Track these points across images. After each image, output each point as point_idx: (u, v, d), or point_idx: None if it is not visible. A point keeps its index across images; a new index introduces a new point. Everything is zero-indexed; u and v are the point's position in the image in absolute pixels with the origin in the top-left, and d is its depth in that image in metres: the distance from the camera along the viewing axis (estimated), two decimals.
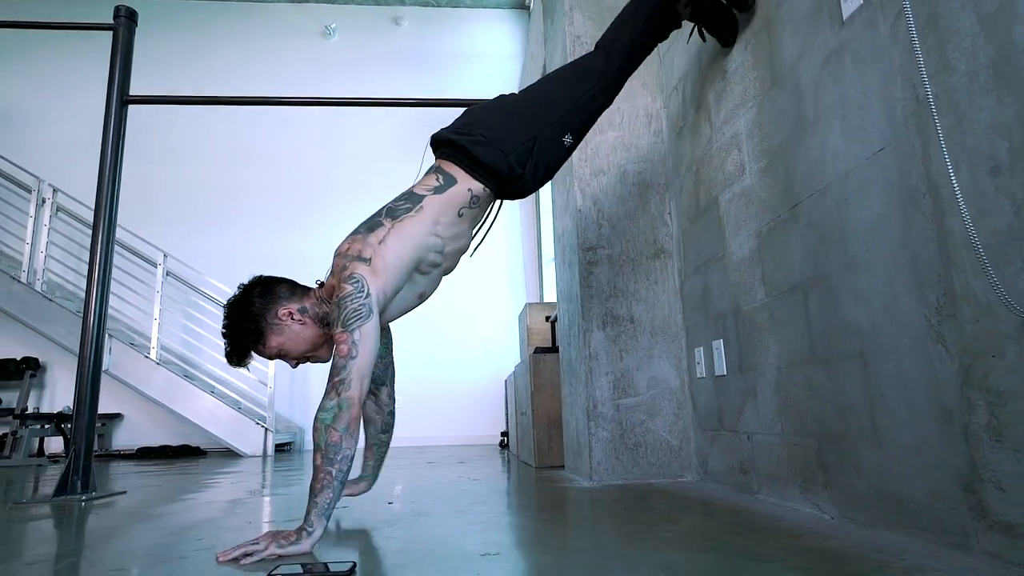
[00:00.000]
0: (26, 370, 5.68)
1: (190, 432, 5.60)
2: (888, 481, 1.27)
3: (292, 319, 1.47)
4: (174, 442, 5.70)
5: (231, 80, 6.53)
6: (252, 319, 1.46)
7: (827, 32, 1.46)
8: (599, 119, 1.87)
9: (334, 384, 1.29)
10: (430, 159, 1.79)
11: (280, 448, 5.64)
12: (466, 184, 1.61)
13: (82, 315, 2.50)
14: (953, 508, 1.10)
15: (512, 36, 7.18)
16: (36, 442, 5.27)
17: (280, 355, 1.51)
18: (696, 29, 2.02)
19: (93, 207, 2.54)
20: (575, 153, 2.50)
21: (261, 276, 1.55)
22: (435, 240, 1.57)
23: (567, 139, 1.70)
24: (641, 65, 2.53)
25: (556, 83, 1.76)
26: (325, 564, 1.10)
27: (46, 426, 5.10)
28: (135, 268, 5.58)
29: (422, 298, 1.67)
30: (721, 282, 2.05)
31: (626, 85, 2.50)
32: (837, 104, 1.42)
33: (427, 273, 1.61)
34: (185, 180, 6.38)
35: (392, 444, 6.42)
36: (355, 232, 1.51)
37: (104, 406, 5.76)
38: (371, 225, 1.51)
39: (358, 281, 1.38)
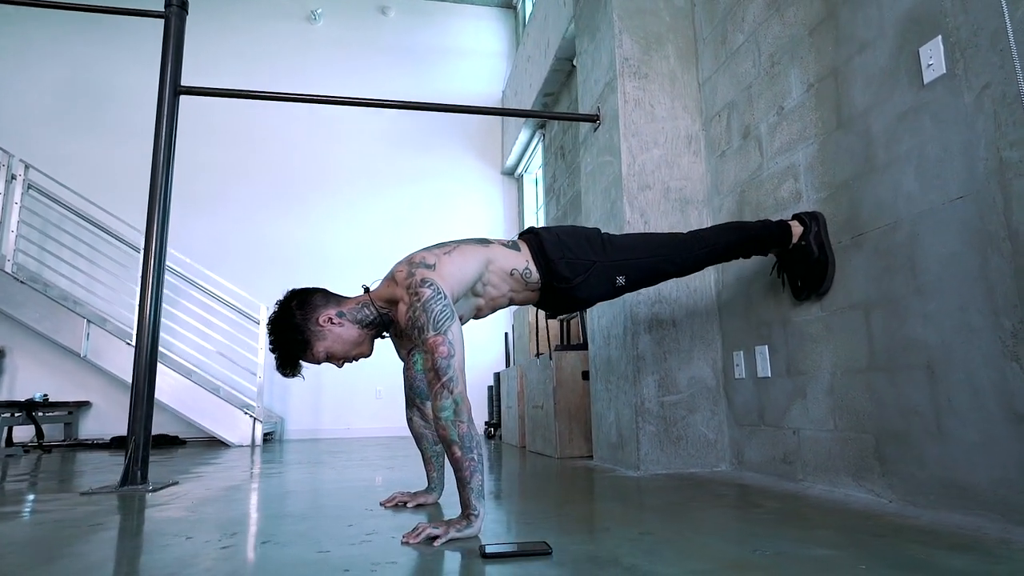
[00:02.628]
0: None
1: (165, 421, 5.47)
2: (953, 472, 1.54)
3: (332, 323, 1.59)
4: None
5: (214, 62, 6.35)
6: (297, 330, 1.56)
7: (905, 91, 1.71)
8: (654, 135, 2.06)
9: (443, 383, 1.40)
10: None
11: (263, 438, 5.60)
12: (525, 257, 1.77)
13: (138, 304, 2.49)
14: (1019, 493, 1.37)
15: (497, 34, 7.30)
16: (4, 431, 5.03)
17: (328, 358, 1.62)
18: (776, 269, 2.18)
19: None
20: (623, 168, 2.70)
21: (296, 289, 1.65)
22: (485, 273, 1.71)
23: (620, 280, 1.86)
24: (681, 88, 2.76)
25: (635, 238, 1.96)
26: (527, 542, 1.25)
27: (16, 414, 4.88)
28: (117, 252, 5.38)
29: (463, 320, 1.72)
30: (767, 295, 2.31)
31: (670, 106, 2.73)
32: (912, 154, 1.68)
33: (479, 295, 1.74)
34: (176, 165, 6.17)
35: (371, 434, 6.47)
36: (421, 249, 1.66)
37: (70, 394, 5.57)
38: (439, 244, 1.69)
39: (433, 284, 1.48)
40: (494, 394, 5.40)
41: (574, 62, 4.67)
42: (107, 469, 3.26)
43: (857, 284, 1.88)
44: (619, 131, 2.73)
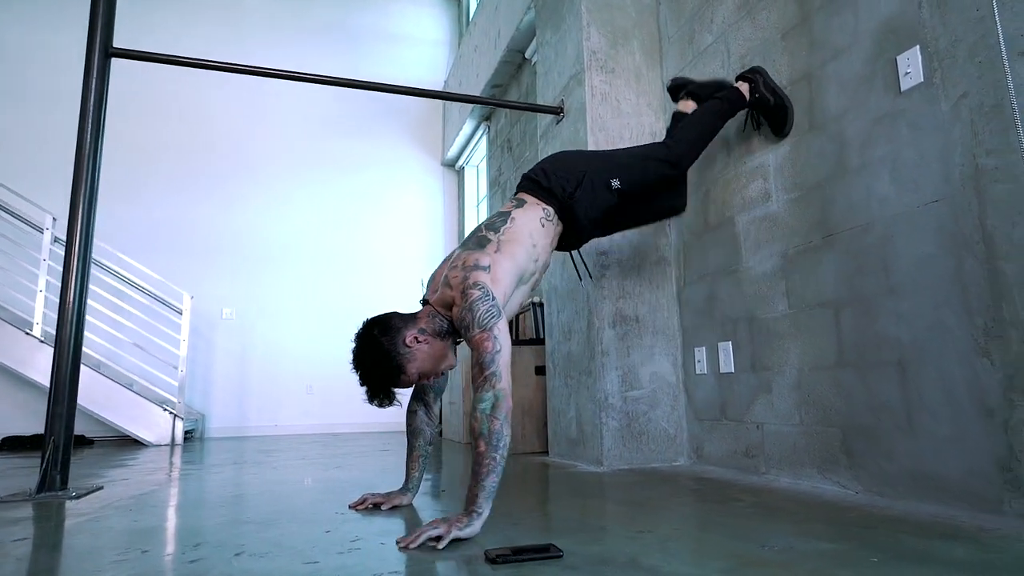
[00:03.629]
0: None
1: (84, 419, 4.98)
2: (922, 464, 1.61)
3: (418, 342, 1.57)
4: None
5: (136, 33, 5.82)
6: (388, 357, 1.53)
7: (881, 97, 1.77)
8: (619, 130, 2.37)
9: (486, 377, 1.41)
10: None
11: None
12: (535, 204, 1.89)
13: (60, 295, 2.22)
14: (989, 484, 1.45)
15: (440, 22, 7.14)
16: None
17: (420, 378, 1.60)
18: (750, 116, 2.27)
19: None
20: None
21: (370, 318, 1.62)
22: (532, 249, 1.79)
23: (614, 183, 1.98)
24: (646, 85, 2.78)
25: (620, 150, 2.14)
26: (531, 547, 1.19)
27: None
28: (14, 232, 4.83)
29: (512, 313, 1.84)
30: (733, 292, 2.35)
31: (635, 102, 2.74)
32: (888, 158, 1.74)
33: (525, 283, 1.79)
34: (72, 134, 5.61)
35: (302, 431, 6.22)
36: (465, 249, 1.67)
37: None
38: (479, 241, 1.70)
39: (482, 286, 1.52)
40: None
41: (526, 54, 4.63)
42: (7, 474, 2.91)
43: (827, 283, 1.94)
44: (586, 125, 2.71)
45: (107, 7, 2.39)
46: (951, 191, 1.56)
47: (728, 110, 2.19)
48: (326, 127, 6.42)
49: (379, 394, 1.57)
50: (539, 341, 3.59)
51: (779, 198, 2.15)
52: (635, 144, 2.69)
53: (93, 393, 4.65)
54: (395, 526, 1.48)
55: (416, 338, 1.57)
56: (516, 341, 3.52)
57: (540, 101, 3.24)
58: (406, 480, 1.82)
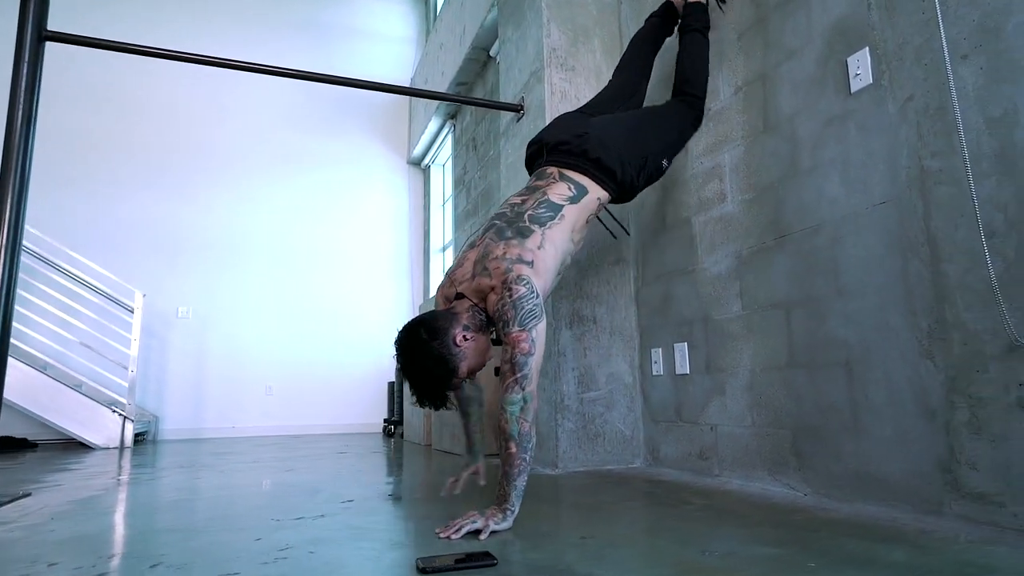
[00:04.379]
0: None
1: (11, 421, 4.77)
2: (867, 465, 1.61)
3: (466, 340, 1.52)
4: None
5: (85, 16, 5.62)
6: (440, 361, 1.48)
7: (832, 98, 1.77)
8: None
9: (516, 379, 1.42)
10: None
11: (134, 439, 5.03)
12: (596, 193, 1.83)
13: None
14: (930, 484, 1.45)
15: (406, 19, 7.05)
16: None
17: (468, 375, 1.57)
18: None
19: None
20: None
21: (412, 321, 1.55)
22: (571, 246, 1.79)
23: (664, 163, 2.08)
24: (606, 83, 2.76)
25: (660, 118, 2.13)
26: (464, 555, 1.14)
27: None
28: None
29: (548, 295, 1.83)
30: (689, 293, 2.34)
31: None
32: (838, 159, 1.74)
33: (559, 274, 1.78)
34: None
35: (261, 433, 6.05)
36: (504, 238, 1.62)
37: None
38: (522, 231, 1.64)
39: (528, 283, 1.50)
40: (395, 390, 5.20)
41: (491, 52, 4.58)
42: None
43: (779, 284, 1.93)
44: (545, 123, 2.67)
45: None
46: (897, 193, 1.57)
47: (705, 32, 2.26)
48: (289, 123, 6.29)
49: (436, 398, 1.51)
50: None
51: (734, 199, 2.14)
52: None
53: (37, 394, 4.45)
54: (327, 533, 1.41)
55: (464, 336, 1.51)
56: None
57: (502, 99, 3.20)
58: (469, 444, 1.84)
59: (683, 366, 2.34)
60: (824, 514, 1.52)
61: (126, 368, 4.71)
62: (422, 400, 1.52)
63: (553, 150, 1.90)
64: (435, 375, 1.48)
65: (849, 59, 1.71)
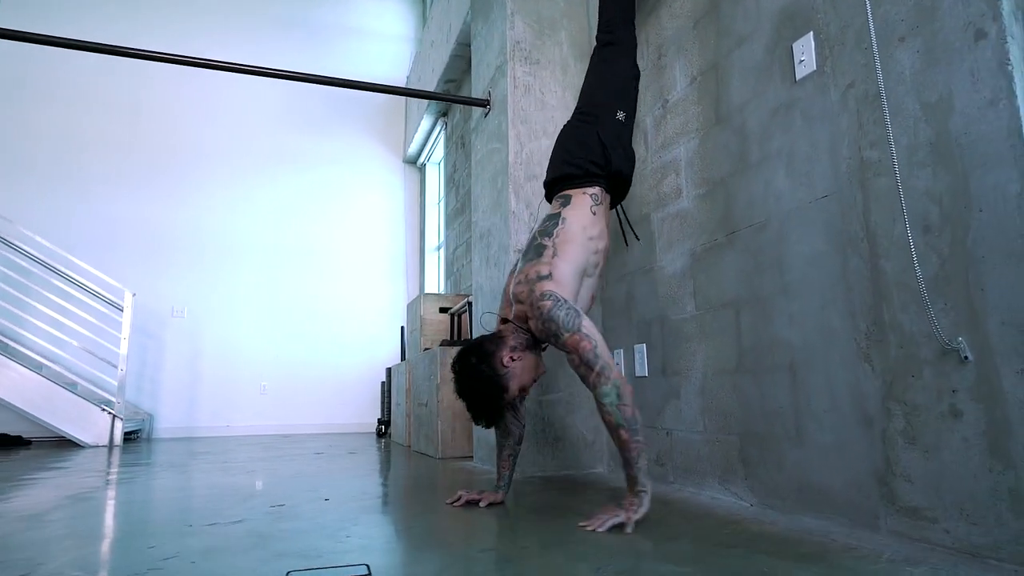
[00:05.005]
0: None
1: (10, 418, 4.84)
2: (809, 474, 1.52)
3: (514, 360, 1.63)
4: None
5: (81, 17, 5.68)
6: (491, 383, 1.60)
7: (778, 86, 1.68)
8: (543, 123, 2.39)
9: (598, 373, 1.49)
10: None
11: (126, 436, 5.07)
12: (580, 193, 1.86)
13: None
14: (867, 497, 1.36)
15: (403, 17, 7.02)
16: None
17: (520, 392, 1.68)
18: None
19: None
20: (511, 156, 2.58)
21: (463, 348, 1.67)
22: (591, 242, 1.79)
23: (619, 115, 1.96)
24: (573, 78, 2.69)
25: (589, 85, 2.08)
26: (339, 567, 1.09)
27: None
28: None
29: (592, 301, 1.87)
30: (648, 292, 2.25)
31: (561, 95, 2.64)
32: (784, 151, 1.64)
33: (591, 276, 1.81)
34: (13, 123, 5.45)
35: (255, 432, 6.05)
36: (527, 262, 1.72)
37: None
38: (537, 250, 1.74)
39: (550, 295, 1.59)
40: (386, 390, 5.17)
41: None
42: None
43: (729, 282, 1.84)
44: (507, 117, 2.61)
45: None
46: (839, 186, 1.47)
47: None
48: (284, 122, 6.29)
49: (486, 416, 1.65)
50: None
51: (689, 194, 2.05)
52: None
53: (30, 393, 4.51)
54: (228, 542, 1.36)
55: (511, 356, 1.63)
56: (452, 341, 3.41)
57: (473, 94, 3.14)
58: (498, 479, 1.84)
59: (642, 368, 2.26)
60: (758, 527, 1.43)
61: (116, 367, 4.74)
62: (477, 418, 1.66)
63: (548, 194, 2.03)
64: (486, 394, 1.61)
65: (794, 44, 1.62)
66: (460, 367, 1.64)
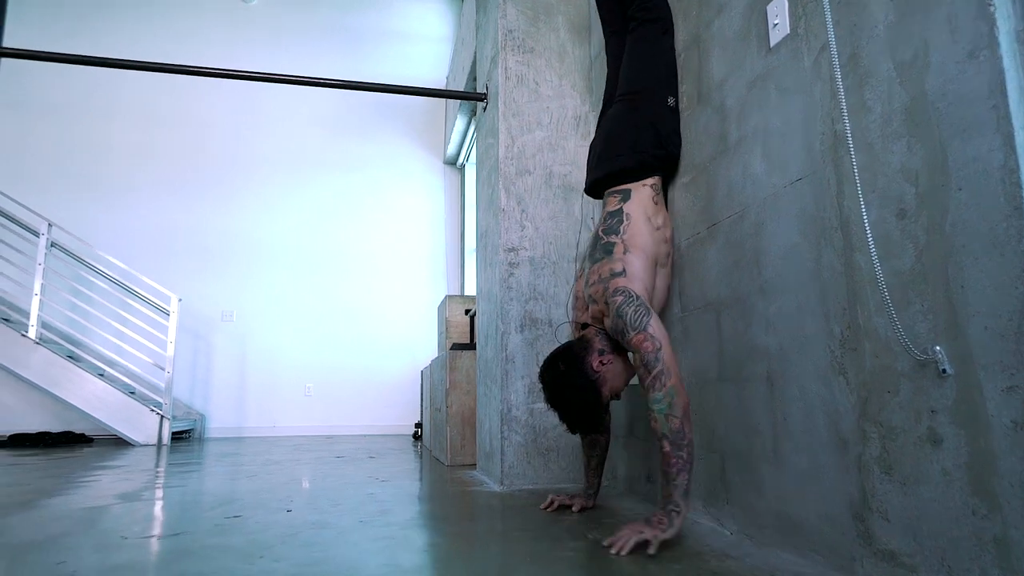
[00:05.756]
0: None
1: (75, 418, 5.16)
2: (786, 503, 1.31)
3: (603, 365, 1.58)
4: (56, 428, 5.23)
5: (138, 39, 6.00)
6: (584, 389, 1.56)
7: (755, 56, 1.47)
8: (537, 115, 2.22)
9: (654, 376, 1.41)
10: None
11: (178, 436, 5.30)
12: (639, 186, 1.78)
13: None
14: (843, 534, 1.14)
15: (443, 17, 7.00)
16: None
17: (613, 396, 1.63)
18: None
19: None
20: (501, 151, 2.45)
21: (550, 356, 1.63)
22: (658, 232, 1.74)
23: (670, 101, 1.83)
24: (572, 65, 2.52)
25: (632, 69, 1.91)
26: None
27: None
28: (13, 238, 5.04)
29: (667, 291, 1.80)
30: None
31: (557, 84, 2.48)
32: (760, 129, 1.44)
33: (664, 266, 1.77)
34: (80, 143, 5.82)
35: (300, 433, 6.16)
36: (595, 261, 1.70)
37: None
38: (606, 248, 1.70)
39: (623, 291, 1.55)
40: (422, 393, 5.15)
41: None
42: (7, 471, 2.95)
43: (710, 281, 1.64)
44: (499, 110, 2.48)
45: None
46: (813, 166, 1.26)
47: None
48: (326, 127, 6.41)
49: (582, 425, 1.61)
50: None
51: (675, 183, 1.86)
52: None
53: (90, 396, 4.78)
54: (142, 558, 1.31)
55: (601, 361, 1.58)
56: (461, 345, 3.31)
57: (479, 88, 3.03)
58: (586, 487, 1.84)
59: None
60: (722, 563, 1.24)
61: (163, 369, 4.96)
62: (573, 428, 1.61)
63: (592, 188, 1.95)
64: (579, 402, 1.56)
65: (768, 7, 1.41)
66: (550, 376, 1.59)
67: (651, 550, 1.27)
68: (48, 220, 4.90)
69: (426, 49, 6.87)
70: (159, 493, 2.27)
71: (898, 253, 1.04)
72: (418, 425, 5.24)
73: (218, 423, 5.77)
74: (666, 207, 1.85)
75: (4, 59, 5.39)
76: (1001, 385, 0.86)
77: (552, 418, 2.29)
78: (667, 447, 1.37)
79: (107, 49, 5.09)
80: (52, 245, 4.93)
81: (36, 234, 4.89)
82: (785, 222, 1.34)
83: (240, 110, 6.24)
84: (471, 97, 2.80)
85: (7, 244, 4.96)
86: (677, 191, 1.83)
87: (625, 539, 1.30)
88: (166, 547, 1.41)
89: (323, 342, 6.06)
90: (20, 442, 4.95)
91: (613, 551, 1.29)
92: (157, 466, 3.23)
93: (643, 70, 1.87)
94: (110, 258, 5.11)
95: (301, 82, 2.65)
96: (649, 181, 1.79)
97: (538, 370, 2.28)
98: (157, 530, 1.59)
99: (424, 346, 6.17)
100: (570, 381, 1.56)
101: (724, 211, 1.58)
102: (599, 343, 1.62)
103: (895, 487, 1.03)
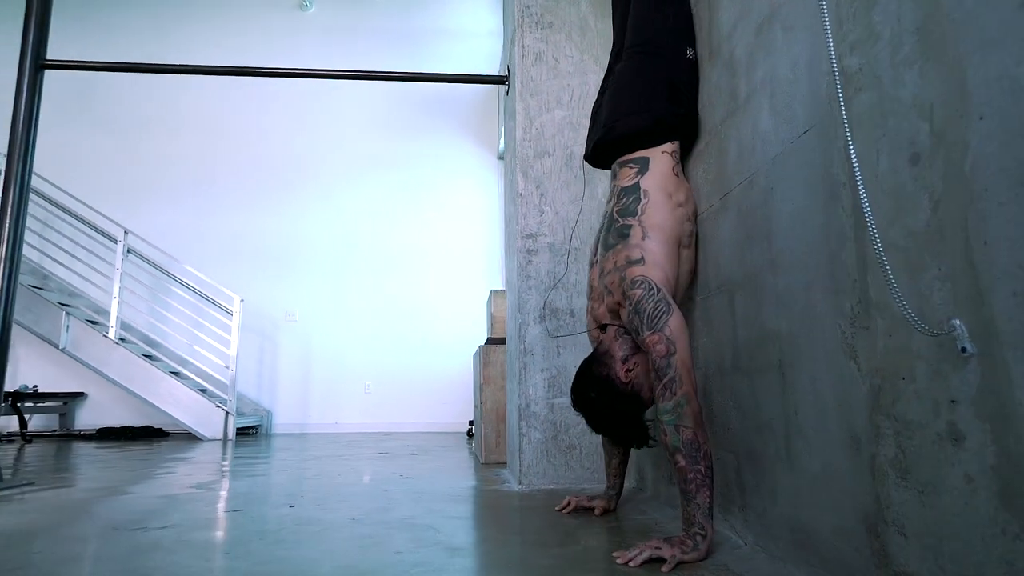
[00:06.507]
0: None
1: (154, 413, 5.46)
2: (799, 510, 1.12)
3: (630, 371, 1.47)
4: (137, 423, 5.57)
5: (202, 50, 6.30)
6: (623, 406, 1.46)
7: None
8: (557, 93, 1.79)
9: (664, 384, 1.29)
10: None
11: (243, 431, 5.51)
12: (657, 152, 1.58)
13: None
14: (856, 550, 0.95)
15: (494, 12, 6.93)
16: None
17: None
18: None
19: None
20: (519, 133, 2.33)
21: (575, 380, 1.53)
22: (680, 210, 1.55)
23: (689, 52, 1.63)
24: (594, 38, 2.36)
25: (641, 18, 1.73)
26: None
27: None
28: (97, 246, 5.40)
29: (692, 274, 1.61)
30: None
31: (578, 59, 2.34)
32: (768, 79, 1.25)
33: (688, 246, 1.58)
34: (153, 153, 6.18)
35: (360, 429, 6.19)
36: (610, 247, 1.54)
37: (66, 384, 5.64)
38: (621, 232, 1.53)
39: (643, 282, 1.40)
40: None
41: None
42: (39, 464, 3.17)
43: (723, 258, 1.45)
44: (516, 90, 2.36)
45: (38, 22, 2.48)
46: (820, 114, 1.07)
47: None
48: (380, 127, 6.49)
49: (635, 439, 1.50)
50: None
51: (694, 151, 1.67)
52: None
53: (163, 392, 5.04)
54: (103, 553, 1.30)
55: (627, 368, 1.47)
56: (496, 339, 3.21)
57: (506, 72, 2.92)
58: (608, 487, 1.74)
59: None
60: None
61: (227, 367, 5.16)
62: (627, 444, 1.56)
63: (596, 155, 1.76)
64: (624, 420, 1.47)
65: None
66: (584, 407, 1.49)
67: (665, 568, 1.14)
68: (124, 227, 5.22)
69: (477, 44, 6.82)
70: (188, 487, 2.31)
71: (911, 208, 0.84)
72: (471, 422, 5.19)
73: (284, 419, 5.95)
74: (687, 179, 1.65)
75: (85, 80, 5.81)
76: None
77: (573, 413, 2.14)
78: (681, 461, 1.24)
79: (173, 61, 5.37)
80: (128, 251, 5.24)
81: (114, 241, 5.21)
82: (793, 182, 1.14)
83: (296, 116, 6.42)
84: (491, 81, 2.69)
85: (90, 251, 5.32)
86: (692, 160, 1.65)
87: (638, 552, 1.18)
88: (138, 539, 1.39)
89: (381, 340, 6.13)
90: (106, 435, 5.31)
91: (620, 562, 1.18)
92: (223, 460, 3.33)
93: (654, 19, 1.67)
94: (180, 262, 5.38)
95: (338, 76, 2.64)
96: (668, 147, 1.58)
97: (559, 363, 2.15)
98: (151, 523, 1.58)
99: (479, 343, 6.12)
100: (607, 405, 1.45)
101: (735, 178, 1.39)
102: (619, 349, 1.48)
103: (912, 496, 0.84)
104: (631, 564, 1.16)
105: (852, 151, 0.95)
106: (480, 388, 3.04)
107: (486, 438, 2.99)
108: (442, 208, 6.42)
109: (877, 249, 0.80)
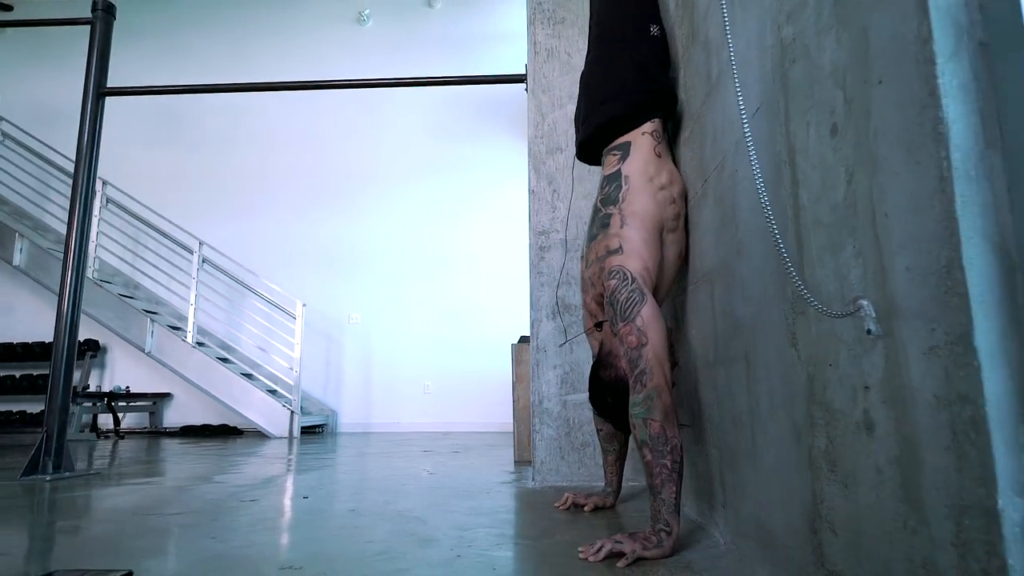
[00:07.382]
0: (87, 351, 6.10)
1: (227, 412, 5.84)
2: (761, 507, 1.06)
3: None
4: (216, 421, 5.97)
5: (265, 69, 6.69)
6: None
7: None
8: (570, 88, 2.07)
9: (635, 376, 1.29)
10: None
11: (310, 430, 5.79)
12: (638, 135, 1.55)
13: (57, 304, 2.59)
14: (800, 549, 0.90)
15: None
16: (90, 417, 5.67)
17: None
18: None
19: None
20: (531, 130, 2.33)
21: (590, 385, 1.54)
22: (662, 192, 1.50)
23: (653, 29, 1.64)
24: None
25: (602, 3, 1.74)
26: (103, 571, 1.04)
27: (97, 403, 5.47)
28: (178, 258, 5.84)
29: (680, 258, 1.55)
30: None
31: None
32: (731, 58, 1.19)
33: (674, 230, 1.52)
34: (222, 168, 6.61)
35: (420, 429, 6.36)
36: (593, 238, 1.52)
37: (155, 386, 6.13)
38: (603, 221, 1.50)
39: (618, 272, 1.38)
40: None
41: None
42: (180, 456, 3.48)
43: (706, 247, 1.40)
44: (528, 87, 2.37)
45: (99, 55, 2.73)
46: (766, 89, 1.02)
47: None
48: (434, 132, 6.64)
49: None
50: None
51: (678, 138, 1.63)
52: None
53: (236, 393, 5.39)
54: (133, 542, 1.41)
55: None
56: (527, 338, 3.21)
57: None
58: (606, 483, 1.75)
59: None
60: None
61: (292, 368, 5.44)
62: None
63: (585, 148, 1.73)
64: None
65: None
66: (609, 415, 1.49)
67: (621, 563, 1.12)
68: (199, 239, 5.63)
69: (522, 46, 6.84)
70: (194, 480, 2.46)
71: (833, 182, 0.79)
72: None
73: (348, 419, 6.20)
74: (673, 159, 1.60)
75: (159, 105, 6.31)
76: (923, 346, 0.61)
77: (587, 410, 2.13)
78: (648, 455, 1.22)
79: (247, 94, 5.74)
80: (204, 261, 5.64)
81: (190, 251, 5.63)
82: (749, 163, 1.09)
83: (353, 126, 6.69)
84: (509, 80, 2.71)
85: (169, 262, 5.77)
86: (680, 148, 1.60)
87: (600, 547, 1.17)
88: (137, 524, 1.50)
89: (438, 341, 6.26)
90: (188, 433, 5.73)
91: (582, 556, 1.17)
92: (289, 454, 3.53)
93: (615, 7, 1.66)
94: (249, 271, 5.73)
95: (377, 85, 2.73)
96: (647, 128, 1.54)
97: (571, 359, 2.14)
98: (174, 508, 1.70)
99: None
100: (625, 406, 1.40)
101: (711, 163, 1.34)
102: (617, 346, 1.45)
103: (838, 489, 0.78)
104: (591, 559, 1.15)
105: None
106: (513, 386, 3.06)
107: (519, 436, 3.00)
108: (493, 210, 6.49)
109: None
